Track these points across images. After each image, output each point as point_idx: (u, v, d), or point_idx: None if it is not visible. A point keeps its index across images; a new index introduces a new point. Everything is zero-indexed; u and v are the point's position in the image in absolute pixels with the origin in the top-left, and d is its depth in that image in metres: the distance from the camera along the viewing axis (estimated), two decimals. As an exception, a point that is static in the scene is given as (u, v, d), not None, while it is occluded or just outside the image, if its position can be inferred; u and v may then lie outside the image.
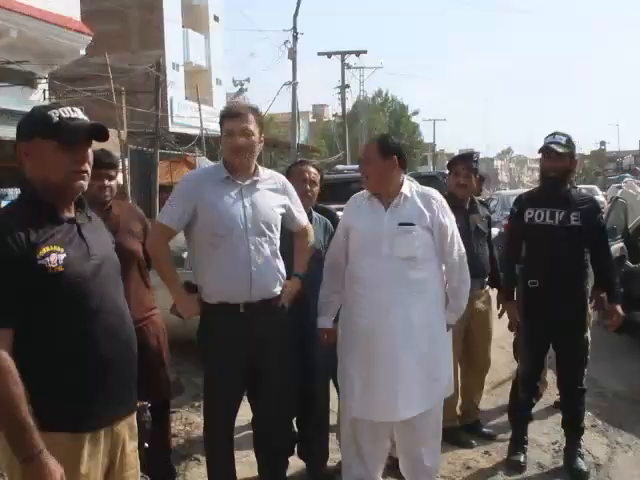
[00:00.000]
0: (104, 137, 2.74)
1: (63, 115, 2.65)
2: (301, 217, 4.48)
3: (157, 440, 4.73)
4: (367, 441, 4.48)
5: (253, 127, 4.15)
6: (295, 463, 5.15)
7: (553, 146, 5.04)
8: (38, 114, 2.67)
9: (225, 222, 4.05)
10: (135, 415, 2.86)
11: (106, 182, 4.47)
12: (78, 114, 2.70)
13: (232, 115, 4.18)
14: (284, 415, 4.52)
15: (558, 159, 5.04)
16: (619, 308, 5.12)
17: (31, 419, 2.38)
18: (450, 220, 4.37)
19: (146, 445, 3.03)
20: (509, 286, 5.37)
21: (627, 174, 26.97)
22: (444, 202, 4.41)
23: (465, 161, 5.86)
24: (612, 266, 5.30)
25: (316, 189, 5.03)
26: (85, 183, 2.70)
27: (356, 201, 4.55)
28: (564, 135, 5.12)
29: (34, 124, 2.65)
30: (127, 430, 2.79)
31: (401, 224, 4.23)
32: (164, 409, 4.88)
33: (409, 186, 4.37)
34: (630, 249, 9.14)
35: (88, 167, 2.71)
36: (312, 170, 5.04)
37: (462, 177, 5.72)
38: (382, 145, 4.34)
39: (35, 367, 2.49)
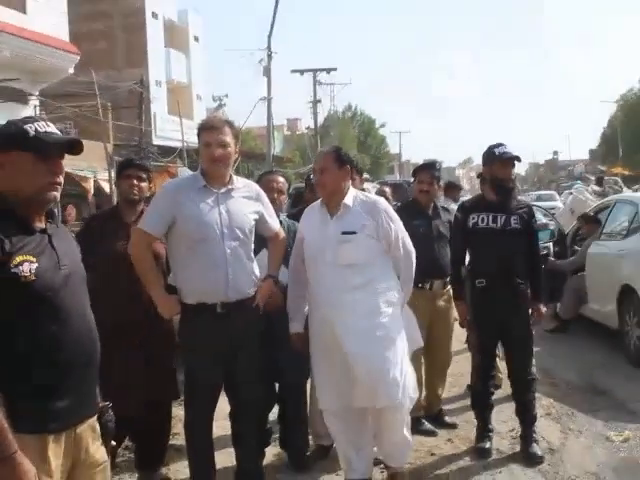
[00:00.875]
0: (79, 151, 2.69)
1: (39, 129, 2.59)
2: (273, 222, 4.49)
3: (155, 439, 4.74)
4: (340, 431, 4.48)
5: (229, 139, 4.17)
6: (276, 451, 5.16)
7: (511, 155, 5.12)
8: (15, 127, 2.60)
9: (203, 228, 4.06)
10: (96, 417, 2.78)
11: (135, 182, 4.66)
12: (52, 128, 2.65)
13: (209, 128, 4.19)
14: (259, 407, 4.51)
15: (513, 168, 5.18)
16: (542, 307, 5.32)
17: (5, 421, 2.32)
18: (395, 225, 4.36)
19: (113, 443, 2.95)
20: (457, 286, 5.41)
21: (578, 181, 27.33)
22: (388, 209, 4.44)
23: (428, 169, 5.88)
24: (540, 269, 5.42)
25: (283, 197, 5.06)
26: (57, 194, 2.63)
27: (309, 211, 4.58)
28: (505, 145, 5.20)
29: (11, 137, 2.59)
30: (90, 431, 2.72)
31: (344, 232, 4.24)
32: (167, 411, 4.81)
33: (352, 196, 4.36)
34: (560, 247, 9.92)
35: (61, 178, 2.65)
36: (280, 179, 5.07)
37: (425, 184, 5.74)
38: (337, 155, 4.38)
39: (4, 370, 2.43)
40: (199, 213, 4.07)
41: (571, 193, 15.21)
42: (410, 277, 4.47)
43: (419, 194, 5.81)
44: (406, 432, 4.44)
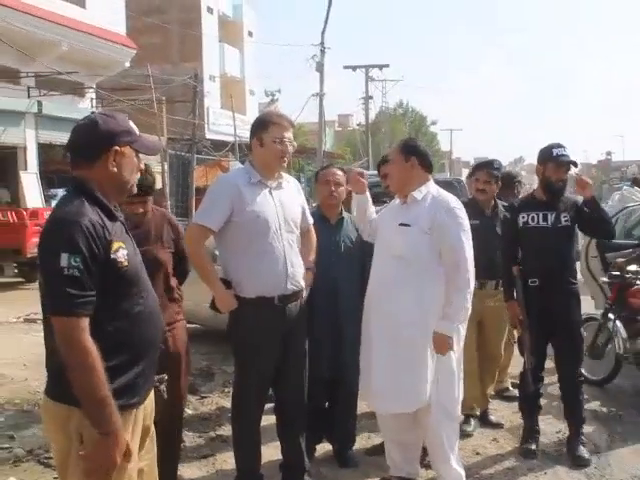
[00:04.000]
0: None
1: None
2: (309, 216, 4.55)
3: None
4: (387, 429, 4.48)
5: (293, 137, 4.28)
6: (323, 446, 5.16)
7: (567, 159, 5.06)
8: (126, 123, 2.75)
9: (263, 221, 4.10)
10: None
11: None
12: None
13: (283, 124, 4.23)
14: (304, 400, 4.50)
15: (568, 171, 5.11)
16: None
17: (112, 398, 2.46)
18: (456, 224, 4.14)
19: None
20: (509, 287, 5.35)
21: (627, 182, 26.80)
22: (457, 210, 4.20)
23: (485, 168, 5.81)
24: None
25: (341, 189, 4.98)
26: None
27: (392, 201, 4.59)
28: (565, 147, 5.13)
29: (128, 132, 2.73)
30: (150, 402, 2.88)
31: (401, 224, 4.20)
32: (177, 430, 4.40)
33: (426, 190, 4.25)
34: None
35: None
36: (337, 172, 5.05)
37: (481, 183, 5.70)
38: (403, 147, 4.34)
39: (107, 349, 2.53)
40: (259, 207, 4.11)
41: (620, 194, 14.99)
42: (458, 287, 4.07)
43: (475, 193, 5.79)
44: (448, 449, 4.25)
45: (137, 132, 2.78)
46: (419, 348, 4.10)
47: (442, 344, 4.07)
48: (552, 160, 5.07)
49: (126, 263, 2.59)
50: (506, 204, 5.87)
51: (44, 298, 2.56)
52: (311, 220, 4.57)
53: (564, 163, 5.05)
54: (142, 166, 2.85)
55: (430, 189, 4.28)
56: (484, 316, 5.61)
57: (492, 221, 5.67)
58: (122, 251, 2.58)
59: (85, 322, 2.46)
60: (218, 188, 4.28)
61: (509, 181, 7.15)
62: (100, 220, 2.55)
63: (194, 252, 4.17)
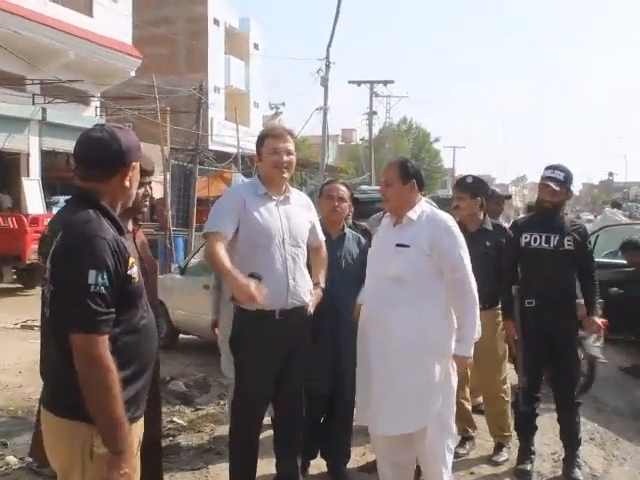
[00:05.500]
0: None
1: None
2: (320, 233, 4.55)
3: None
4: (380, 448, 4.38)
5: (292, 147, 4.29)
6: (317, 462, 5.12)
7: (550, 184, 5.07)
8: (136, 138, 2.75)
9: (266, 233, 4.11)
10: None
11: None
12: None
13: (277, 135, 4.26)
14: (301, 415, 4.49)
15: (554, 194, 5.09)
16: (597, 319, 5.21)
17: (126, 417, 2.46)
18: (455, 244, 4.08)
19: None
20: (507, 305, 5.32)
21: (630, 203, 28.32)
22: (453, 228, 4.14)
23: (457, 184, 5.71)
24: (595, 285, 5.24)
25: (345, 205, 4.99)
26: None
27: (383, 221, 4.51)
28: (563, 171, 5.12)
29: (137, 148, 2.73)
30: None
31: (398, 245, 4.12)
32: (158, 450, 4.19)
33: (420, 210, 4.20)
34: None
35: None
36: (341, 188, 5.05)
37: (455, 199, 5.56)
38: (402, 170, 4.23)
39: (118, 362, 2.52)
40: (263, 218, 4.13)
41: (604, 214, 16.26)
42: (467, 306, 4.05)
43: (453, 211, 5.46)
44: (442, 468, 4.15)
45: None
46: (421, 369, 4.04)
47: (463, 364, 4.15)
48: (541, 182, 5.18)
49: (137, 279, 2.59)
50: (500, 223, 5.87)
51: (60, 313, 2.48)
52: (322, 237, 4.57)
53: (547, 186, 5.09)
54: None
55: (424, 208, 4.23)
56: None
57: (475, 239, 5.17)
58: (135, 267, 2.59)
59: (106, 339, 2.45)
60: (225, 198, 4.33)
61: (495, 199, 7.11)
62: (117, 235, 2.56)
63: (212, 253, 4.00)
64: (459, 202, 5.53)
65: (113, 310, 2.48)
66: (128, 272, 2.54)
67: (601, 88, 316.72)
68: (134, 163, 2.69)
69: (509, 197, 7.23)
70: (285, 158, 4.21)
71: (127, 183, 2.67)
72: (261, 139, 4.29)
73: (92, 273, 2.41)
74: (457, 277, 4.06)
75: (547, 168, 5.17)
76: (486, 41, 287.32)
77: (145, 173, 3.68)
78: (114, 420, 2.42)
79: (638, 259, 8.50)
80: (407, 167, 4.26)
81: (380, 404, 4.10)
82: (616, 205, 21.32)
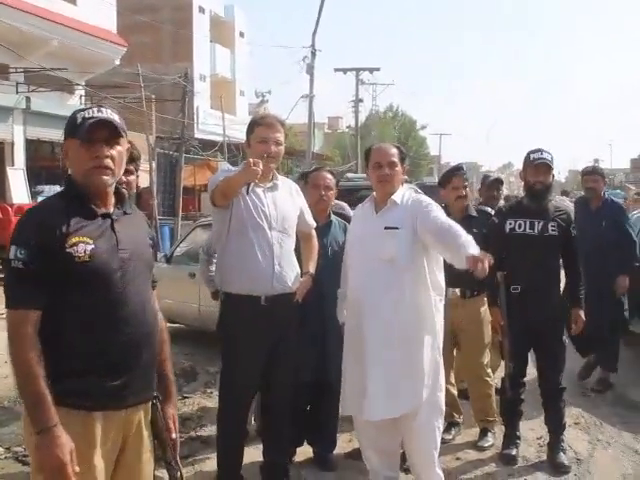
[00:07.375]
0: (116, 132, 2.67)
1: (86, 115, 2.63)
2: (311, 220, 4.55)
3: None
4: (367, 437, 4.39)
5: (282, 137, 4.28)
6: (303, 449, 5.13)
7: (546, 161, 5.07)
8: (71, 116, 2.69)
9: (254, 216, 4.13)
10: (149, 406, 2.78)
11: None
12: (102, 114, 2.66)
13: (267, 124, 4.25)
14: (289, 403, 4.49)
15: (548, 174, 5.10)
16: (582, 313, 5.18)
17: (49, 394, 2.39)
18: (436, 210, 4.07)
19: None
20: (492, 292, 5.32)
21: (615, 190, 29.95)
22: (433, 204, 4.16)
23: (458, 173, 5.66)
24: (579, 274, 5.27)
25: (331, 193, 5.02)
26: (108, 178, 2.63)
27: (358, 209, 4.55)
28: (548, 153, 5.14)
29: (67, 125, 2.68)
30: (143, 416, 2.74)
31: (387, 228, 4.15)
32: None
33: (402, 193, 4.25)
34: None
35: (110, 163, 2.63)
36: (327, 176, 5.06)
37: (461, 188, 5.56)
38: (400, 152, 4.35)
39: (57, 346, 2.49)
40: (251, 202, 4.15)
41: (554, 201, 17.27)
42: (456, 229, 3.86)
43: (457, 200, 5.54)
44: (433, 451, 4.21)
45: None
46: (416, 350, 4.08)
47: (483, 259, 3.70)
48: (530, 164, 5.13)
49: (86, 258, 2.51)
50: (484, 209, 5.88)
51: None
52: (313, 223, 4.58)
53: (541, 164, 5.08)
54: None
55: (406, 191, 4.30)
56: (455, 326, 5.43)
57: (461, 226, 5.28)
58: (83, 246, 2.51)
59: (32, 316, 2.45)
60: (221, 173, 4.29)
61: (493, 185, 7.10)
62: (58, 215, 2.53)
63: (223, 184, 4.08)
64: (465, 190, 5.56)
65: (39, 288, 2.46)
66: (67, 250, 2.48)
67: (599, 87, 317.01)
68: (64, 142, 2.69)
69: (502, 182, 7.20)
70: (273, 148, 4.20)
71: (65, 160, 2.69)
72: (251, 127, 4.29)
73: (12, 248, 2.48)
74: (442, 221, 3.98)
75: (533, 152, 5.15)
76: (477, 29, 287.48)
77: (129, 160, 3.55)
78: (32, 398, 2.39)
79: None
80: (402, 150, 4.38)
81: (378, 387, 4.07)
82: (565, 193, 24.40)
